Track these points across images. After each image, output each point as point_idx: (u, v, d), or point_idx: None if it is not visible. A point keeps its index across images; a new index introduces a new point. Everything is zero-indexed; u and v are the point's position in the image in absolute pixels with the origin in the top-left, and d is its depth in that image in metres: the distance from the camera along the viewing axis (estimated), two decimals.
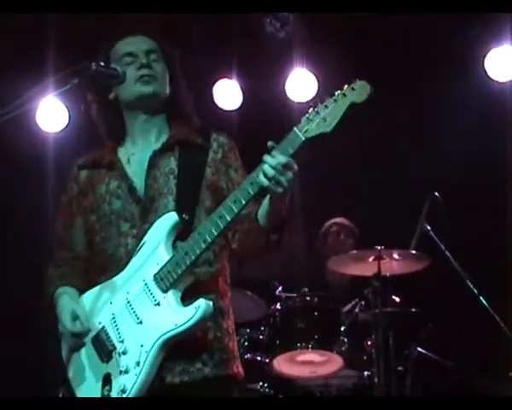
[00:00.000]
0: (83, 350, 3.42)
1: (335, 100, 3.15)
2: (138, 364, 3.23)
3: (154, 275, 3.29)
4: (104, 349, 3.35)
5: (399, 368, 5.83)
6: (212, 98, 6.92)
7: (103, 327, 3.38)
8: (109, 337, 3.36)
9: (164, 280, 3.26)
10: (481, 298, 5.72)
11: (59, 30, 6.23)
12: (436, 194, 5.90)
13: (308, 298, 5.95)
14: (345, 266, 5.95)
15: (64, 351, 3.49)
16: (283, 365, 5.86)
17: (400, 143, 6.81)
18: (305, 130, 3.16)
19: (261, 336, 5.98)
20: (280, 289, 6.14)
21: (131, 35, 3.61)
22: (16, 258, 6.82)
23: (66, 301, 3.42)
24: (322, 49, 6.59)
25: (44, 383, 3.75)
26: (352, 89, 3.15)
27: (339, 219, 6.78)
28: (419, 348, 5.89)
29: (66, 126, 6.87)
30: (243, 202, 3.19)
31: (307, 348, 5.80)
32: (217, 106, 6.95)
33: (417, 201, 5.98)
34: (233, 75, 6.85)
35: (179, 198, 3.40)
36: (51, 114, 6.76)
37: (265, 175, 3.12)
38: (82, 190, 3.57)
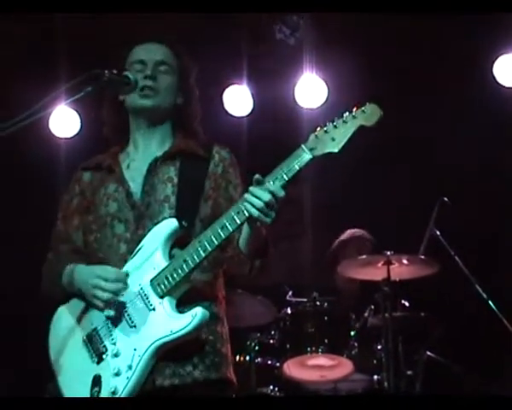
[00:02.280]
0: (72, 349, 3.36)
1: (345, 121, 3.12)
2: (130, 367, 3.19)
3: (151, 280, 3.25)
4: (96, 351, 3.31)
5: (409, 372, 5.84)
6: (223, 104, 6.92)
7: (95, 328, 3.33)
8: (101, 339, 3.31)
9: (161, 286, 3.23)
10: (490, 303, 5.71)
11: (72, 38, 6.27)
12: (445, 199, 5.90)
13: (318, 303, 5.97)
14: (354, 271, 5.96)
15: (51, 349, 3.43)
16: (293, 369, 5.87)
17: (410, 148, 6.81)
18: (313, 148, 3.13)
19: (271, 341, 5.99)
20: (290, 293, 6.15)
21: (149, 41, 3.61)
22: (28, 260, 6.85)
23: (90, 268, 3.34)
24: (332, 54, 6.57)
25: (30, 381, 3.73)
26: (363, 111, 3.12)
27: (361, 232, 6.63)
28: (428, 353, 5.88)
29: (79, 132, 6.89)
30: (230, 229, 3.17)
31: (317, 352, 5.84)
32: (227, 112, 6.95)
33: (427, 206, 5.97)
34: (243, 81, 6.83)
35: (179, 206, 3.38)
36: (64, 120, 6.81)
37: (254, 206, 3.09)
38: (83, 190, 3.56)
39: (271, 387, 5.80)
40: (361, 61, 6.35)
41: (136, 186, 3.45)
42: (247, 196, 3.12)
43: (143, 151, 3.55)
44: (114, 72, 3.42)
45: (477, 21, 6.12)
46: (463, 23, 6.15)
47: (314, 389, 6.01)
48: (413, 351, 5.91)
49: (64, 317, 3.45)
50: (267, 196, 3.08)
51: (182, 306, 3.23)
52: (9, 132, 3.10)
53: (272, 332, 6.00)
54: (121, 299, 3.27)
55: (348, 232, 6.67)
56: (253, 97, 6.89)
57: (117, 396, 3.16)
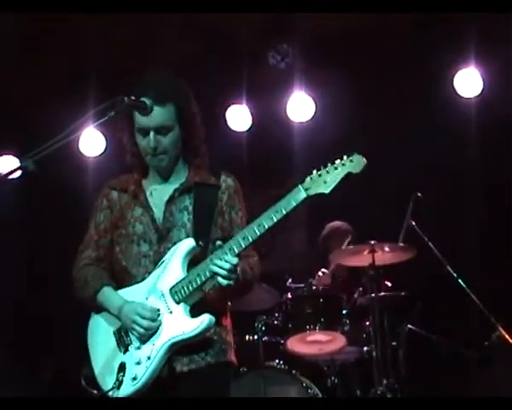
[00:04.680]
0: (104, 338, 3.51)
1: (336, 168, 3.23)
2: (149, 358, 3.37)
3: (171, 288, 3.40)
4: (123, 342, 3.47)
5: (393, 343, 5.88)
6: (226, 121, 6.96)
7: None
8: (129, 334, 3.46)
9: (178, 293, 3.39)
10: (460, 280, 5.74)
11: (99, 69, 6.34)
12: (419, 194, 5.94)
13: (314, 287, 5.96)
14: (344, 259, 5.99)
15: (88, 337, 3.58)
16: (295, 344, 5.89)
17: (388, 151, 6.83)
18: (308, 188, 3.24)
19: (276, 322, 5.98)
20: (290, 280, 6.14)
21: (146, 112, 3.48)
22: (56, 272, 6.88)
23: (124, 299, 3.47)
24: (318, 76, 6.62)
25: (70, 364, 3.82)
26: (351, 160, 3.24)
27: (339, 224, 6.64)
28: (409, 326, 5.91)
29: (104, 151, 6.94)
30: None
31: (315, 329, 5.82)
32: (229, 128, 7.00)
33: (403, 200, 6.00)
34: (243, 101, 6.89)
35: (194, 231, 3.47)
36: (91, 141, 6.84)
37: (216, 273, 3.29)
38: (111, 206, 3.63)
39: (277, 360, 5.78)
40: (342, 80, 6.40)
41: (158, 212, 3.55)
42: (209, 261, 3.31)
43: (162, 182, 3.61)
44: (133, 98, 3.45)
45: (441, 37, 6.19)
46: (428, 41, 6.23)
47: (313, 361, 6.01)
48: (396, 325, 5.93)
49: (101, 312, 3.59)
50: (227, 265, 3.27)
51: (194, 311, 3.39)
52: (48, 153, 3.15)
53: (276, 314, 5.98)
54: (146, 302, 3.43)
55: (328, 227, 6.64)
56: (252, 114, 6.95)
57: (137, 381, 3.34)
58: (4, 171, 3.22)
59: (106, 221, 3.63)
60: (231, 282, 3.30)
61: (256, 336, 5.95)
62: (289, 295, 6.00)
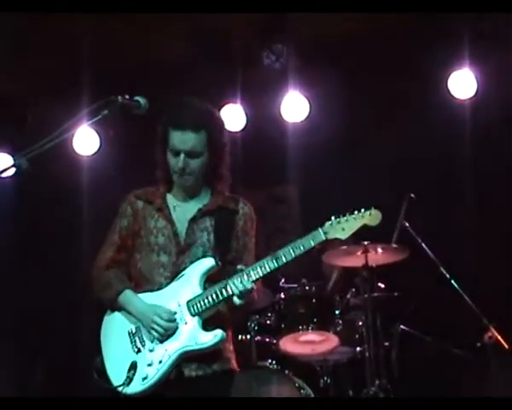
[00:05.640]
0: (118, 336, 3.69)
1: (354, 218, 3.57)
2: (161, 362, 3.59)
3: (188, 301, 3.63)
4: (137, 344, 3.66)
5: (386, 344, 5.89)
6: None
7: (139, 326, 3.68)
8: (143, 336, 3.66)
9: (194, 307, 3.62)
10: (453, 282, 5.77)
11: (94, 68, 6.34)
12: (412, 195, 5.96)
13: (307, 287, 5.98)
14: (337, 259, 5.97)
15: (102, 333, 3.76)
16: (288, 344, 5.91)
17: (382, 151, 6.85)
18: (327, 232, 3.56)
19: (268, 321, 6.00)
20: (283, 280, 6.15)
21: (181, 129, 3.67)
22: (56, 268, 6.90)
23: (144, 302, 3.67)
24: (312, 75, 6.64)
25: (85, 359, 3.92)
26: (370, 214, 3.56)
27: None
28: (402, 326, 5.92)
29: (98, 150, 6.93)
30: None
31: (308, 329, 5.84)
32: None
33: (397, 202, 6.01)
34: (237, 100, 6.88)
35: (215, 250, 3.70)
36: (85, 139, 6.80)
37: (233, 293, 3.57)
38: (135, 215, 3.82)
39: (270, 360, 5.81)
40: (337, 80, 6.41)
41: (181, 228, 3.75)
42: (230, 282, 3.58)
43: (185, 201, 3.81)
44: (127, 97, 3.47)
45: (436, 38, 6.20)
46: (422, 41, 6.24)
47: (306, 361, 6.02)
48: (389, 325, 5.94)
49: (117, 311, 3.77)
50: (244, 289, 3.54)
51: (207, 324, 3.64)
52: (42, 151, 3.18)
53: (269, 314, 6.00)
54: None
55: None
56: (246, 114, 6.94)
57: (147, 381, 3.57)
58: None
59: (128, 227, 3.81)
60: (243, 302, 3.56)
61: (249, 336, 5.96)
62: (282, 295, 6.01)
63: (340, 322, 5.89)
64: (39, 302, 6.77)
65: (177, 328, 3.61)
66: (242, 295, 3.54)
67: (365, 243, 5.74)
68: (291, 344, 5.92)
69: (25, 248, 7.08)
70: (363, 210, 3.56)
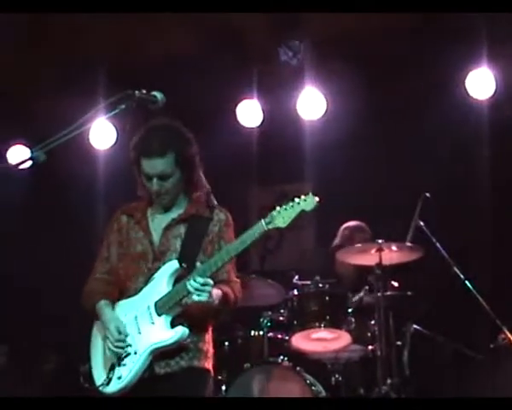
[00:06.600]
0: (102, 344, 3.99)
1: (292, 206, 3.68)
2: (133, 362, 3.86)
3: (155, 302, 3.89)
4: None
5: (398, 343, 5.88)
6: (236, 117, 6.99)
7: None
8: None
9: (161, 307, 3.87)
10: (467, 282, 5.73)
11: (111, 62, 6.39)
12: (427, 194, 5.93)
13: (320, 285, 5.97)
14: (351, 257, 5.97)
15: (92, 342, 4.06)
16: (300, 341, 5.90)
17: (398, 150, 6.85)
18: (269, 222, 3.69)
19: (281, 318, 6.00)
20: (296, 277, 6.14)
21: (149, 157, 3.90)
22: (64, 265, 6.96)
23: (111, 315, 3.95)
24: (329, 72, 6.65)
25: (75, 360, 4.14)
26: (304, 200, 3.67)
27: (359, 223, 6.59)
28: (414, 326, 5.90)
29: (114, 144, 6.97)
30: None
31: (320, 326, 5.83)
32: (240, 124, 7.01)
33: (412, 201, 5.99)
34: (254, 96, 6.90)
35: (182, 254, 3.92)
36: (101, 133, 6.87)
37: (189, 289, 3.75)
38: (120, 229, 4.11)
39: (281, 357, 5.77)
40: (354, 77, 6.41)
41: (156, 236, 4.03)
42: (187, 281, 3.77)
43: (164, 212, 4.06)
44: (143, 91, 3.54)
45: (452, 39, 6.19)
46: (441, 42, 6.23)
47: (317, 358, 6.01)
48: (401, 324, 5.92)
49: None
50: (198, 285, 3.72)
51: (175, 322, 3.86)
52: (58, 145, 3.23)
53: (281, 311, 6.00)
54: (135, 314, 3.92)
55: (349, 227, 6.58)
56: (263, 111, 6.96)
57: (121, 380, 3.85)
58: (15, 161, 3.28)
59: (114, 241, 4.10)
60: (202, 298, 3.73)
61: (261, 332, 5.97)
62: (295, 292, 6.01)
63: (353, 320, 5.87)
64: (56, 298, 6.78)
65: (147, 329, 3.85)
66: (200, 291, 3.70)
67: (380, 241, 5.73)
68: (303, 341, 5.92)
69: (39, 242, 7.12)
70: (300, 197, 3.68)
